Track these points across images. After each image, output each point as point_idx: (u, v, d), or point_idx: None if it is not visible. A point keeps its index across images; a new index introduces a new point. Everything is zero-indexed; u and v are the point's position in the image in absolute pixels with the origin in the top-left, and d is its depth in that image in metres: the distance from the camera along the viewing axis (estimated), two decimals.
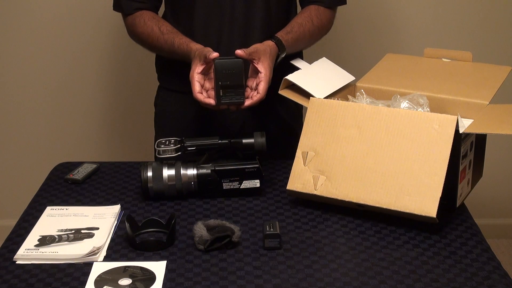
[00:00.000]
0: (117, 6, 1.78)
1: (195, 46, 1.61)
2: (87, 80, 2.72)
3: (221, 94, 1.52)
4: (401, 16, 2.65)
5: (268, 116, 1.83)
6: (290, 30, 1.70)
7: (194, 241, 1.36)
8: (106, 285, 1.23)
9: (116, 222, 1.46)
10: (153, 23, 1.72)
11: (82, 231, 1.42)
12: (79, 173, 1.68)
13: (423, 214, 1.37)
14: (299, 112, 1.92)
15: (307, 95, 1.58)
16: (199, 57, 1.56)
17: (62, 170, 1.72)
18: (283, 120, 1.87)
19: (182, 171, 1.53)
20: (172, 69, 1.81)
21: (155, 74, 1.90)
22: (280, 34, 1.68)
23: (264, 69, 1.57)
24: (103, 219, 1.47)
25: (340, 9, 1.85)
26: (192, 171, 1.54)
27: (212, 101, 1.53)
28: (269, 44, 1.63)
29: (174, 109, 1.85)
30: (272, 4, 1.74)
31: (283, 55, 1.66)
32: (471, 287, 1.24)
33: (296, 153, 1.51)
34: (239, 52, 1.54)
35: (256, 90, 1.56)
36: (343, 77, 1.70)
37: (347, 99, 1.63)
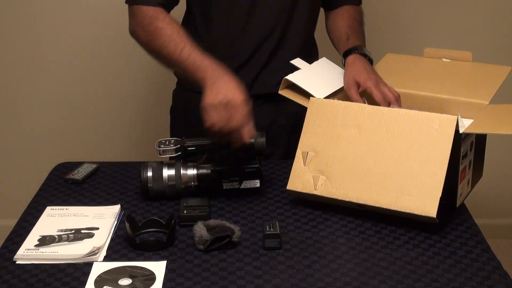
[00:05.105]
0: None
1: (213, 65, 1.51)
2: (87, 80, 2.72)
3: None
4: (401, 16, 2.65)
5: (269, 115, 1.82)
6: (352, 33, 1.79)
7: (194, 241, 1.36)
8: (106, 285, 1.23)
9: (116, 222, 1.46)
10: (179, 26, 1.60)
11: (82, 231, 1.42)
12: (79, 173, 1.68)
13: (423, 214, 1.37)
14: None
15: (307, 95, 1.58)
16: None
17: (62, 170, 1.72)
18: (283, 120, 1.87)
19: (182, 171, 1.53)
20: None
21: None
22: (353, 42, 1.75)
23: (366, 81, 1.62)
24: (103, 219, 1.47)
25: None
26: (192, 171, 1.54)
27: None
28: (353, 62, 1.68)
29: (189, 107, 1.81)
30: (309, 23, 1.78)
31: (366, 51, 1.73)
32: (471, 287, 1.24)
33: (296, 153, 1.51)
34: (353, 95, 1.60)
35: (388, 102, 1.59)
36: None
37: (347, 99, 1.62)
